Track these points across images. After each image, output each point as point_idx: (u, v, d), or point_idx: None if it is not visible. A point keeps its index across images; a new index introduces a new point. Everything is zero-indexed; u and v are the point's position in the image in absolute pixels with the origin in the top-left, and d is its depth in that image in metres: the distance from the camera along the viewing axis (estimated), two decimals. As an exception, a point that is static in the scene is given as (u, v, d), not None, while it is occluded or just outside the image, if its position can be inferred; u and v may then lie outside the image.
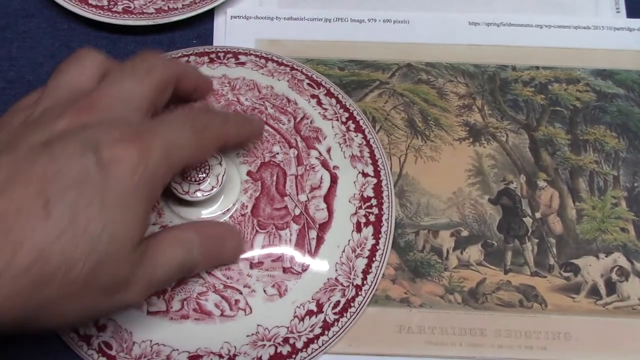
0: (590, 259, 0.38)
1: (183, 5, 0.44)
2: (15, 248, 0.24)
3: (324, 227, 0.36)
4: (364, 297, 0.35)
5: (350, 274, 0.35)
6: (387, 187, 0.38)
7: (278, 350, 0.34)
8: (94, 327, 0.34)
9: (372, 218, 0.37)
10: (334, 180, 0.37)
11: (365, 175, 0.38)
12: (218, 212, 0.35)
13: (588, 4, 0.46)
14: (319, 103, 0.40)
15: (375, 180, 0.38)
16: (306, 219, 0.35)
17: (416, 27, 0.45)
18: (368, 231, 0.37)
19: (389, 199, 0.38)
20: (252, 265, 0.34)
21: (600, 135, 0.41)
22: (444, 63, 0.43)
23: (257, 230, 0.35)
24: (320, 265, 0.35)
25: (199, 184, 0.33)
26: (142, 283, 0.28)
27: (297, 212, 0.36)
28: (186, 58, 0.42)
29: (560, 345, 0.35)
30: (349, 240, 0.36)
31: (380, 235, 0.37)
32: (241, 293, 0.34)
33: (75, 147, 0.26)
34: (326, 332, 0.34)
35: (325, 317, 0.35)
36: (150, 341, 0.33)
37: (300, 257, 0.35)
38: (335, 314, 0.35)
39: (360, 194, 0.37)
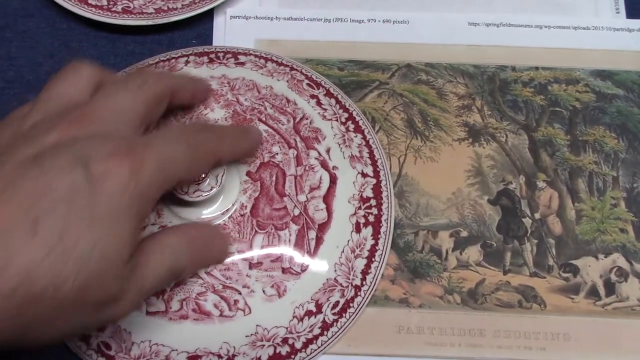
0: (589, 259, 0.38)
1: (182, 5, 0.44)
2: (0, 269, 0.23)
3: (323, 227, 0.36)
4: (363, 298, 0.35)
5: (350, 274, 0.35)
6: (387, 188, 0.38)
7: (277, 351, 0.34)
8: (93, 327, 0.34)
9: (371, 218, 0.37)
10: (333, 180, 0.37)
11: (364, 175, 0.38)
12: (217, 212, 0.35)
13: (588, 5, 0.46)
14: (319, 103, 0.40)
15: (374, 181, 0.38)
16: (305, 219, 0.35)
17: (416, 27, 0.45)
18: (367, 231, 0.37)
19: (388, 199, 0.38)
20: (251, 266, 0.34)
21: (599, 136, 0.41)
22: (443, 63, 0.43)
23: (256, 231, 0.35)
24: (319, 266, 0.35)
25: (198, 184, 0.33)
26: (132, 296, 0.27)
27: (297, 212, 0.35)
28: (185, 58, 0.41)
29: (559, 345, 0.35)
30: (348, 241, 0.36)
31: (379, 236, 0.37)
32: (240, 293, 0.34)
33: (65, 162, 0.25)
34: (325, 333, 0.34)
35: (324, 318, 0.35)
36: (149, 341, 0.33)
37: (300, 258, 0.35)
38: (334, 314, 0.35)
39: (360, 194, 0.37)
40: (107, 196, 0.25)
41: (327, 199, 0.36)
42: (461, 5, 0.46)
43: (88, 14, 0.43)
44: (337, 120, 0.39)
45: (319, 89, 0.41)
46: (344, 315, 0.35)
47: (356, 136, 0.39)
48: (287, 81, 0.40)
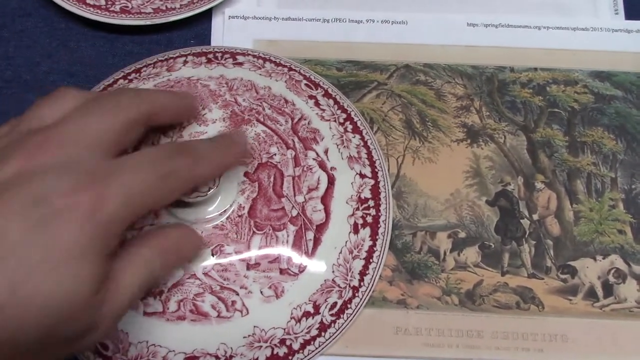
0: (587, 261, 0.38)
1: (181, 5, 0.43)
2: None
3: (321, 228, 0.36)
4: (361, 299, 0.35)
5: (347, 275, 0.35)
6: (385, 189, 0.38)
7: (274, 352, 0.34)
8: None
9: (369, 219, 0.37)
10: (331, 181, 0.37)
11: (362, 176, 0.38)
12: (215, 213, 0.35)
13: (586, 6, 0.46)
14: (317, 104, 0.40)
15: (372, 182, 0.38)
16: (303, 220, 0.35)
17: (414, 28, 0.45)
18: (365, 232, 0.36)
19: (386, 200, 0.38)
20: (249, 267, 0.34)
21: (598, 137, 0.41)
22: (442, 64, 0.43)
23: (254, 232, 0.35)
24: (317, 267, 0.35)
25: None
26: (107, 321, 0.27)
27: (294, 213, 0.35)
28: (184, 58, 0.41)
29: (557, 347, 0.35)
30: (346, 242, 0.36)
31: (377, 237, 0.37)
32: (238, 294, 0.34)
33: (21, 202, 0.24)
34: (323, 334, 0.34)
35: (322, 319, 0.34)
36: (147, 342, 0.33)
37: (297, 259, 0.35)
38: (332, 315, 0.35)
39: (358, 195, 0.37)
40: (67, 235, 0.24)
41: (325, 199, 0.36)
42: (460, 5, 0.46)
43: (86, 13, 0.43)
44: (335, 121, 0.39)
45: (317, 89, 0.41)
46: (341, 316, 0.35)
47: (354, 137, 0.39)
48: (286, 81, 0.40)
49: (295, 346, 0.34)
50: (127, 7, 0.44)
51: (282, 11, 0.45)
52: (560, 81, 0.43)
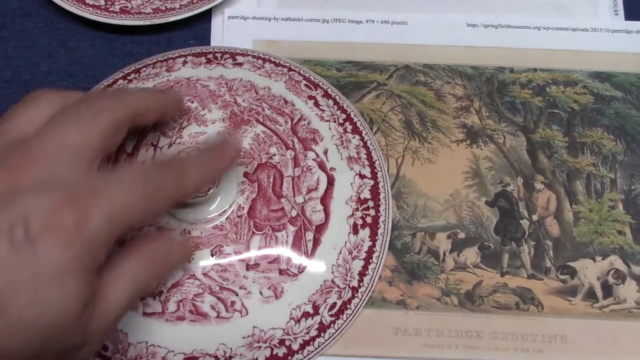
0: (586, 261, 0.38)
1: (180, 5, 0.43)
2: None
3: (320, 228, 0.36)
4: (360, 299, 0.35)
5: (347, 275, 0.35)
6: (384, 189, 0.38)
7: (274, 352, 0.34)
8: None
9: (368, 220, 0.37)
10: (330, 181, 0.37)
11: (362, 176, 0.38)
12: (215, 213, 0.35)
13: (586, 6, 0.46)
14: (316, 104, 0.40)
15: (372, 182, 0.38)
16: (303, 220, 0.35)
17: (414, 28, 0.45)
18: (365, 233, 0.36)
19: (385, 200, 0.38)
20: (248, 267, 0.34)
21: (597, 137, 0.41)
22: (441, 64, 0.43)
23: (253, 232, 0.35)
24: (316, 267, 0.35)
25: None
26: (97, 336, 0.26)
27: (294, 213, 0.35)
28: (183, 58, 0.41)
29: (557, 348, 0.35)
30: (345, 242, 0.36)
31: (376, 237, 0.37)
32: (237, 295, 0.34)
33: (4, 222, 0.24)
34: (322, 334, 0.34)
35: (321, 319, 0.34)
36: (146, 342, 0.33)
37: (297, 259, 0.35)
38: (331, 315, 0.35)
39: (357, 195, 0.37)
40: (50, 255, 0.24)
41: (325, 200, 0.36)
42: (459, 6, 0.46)
43: (86, 13, 0.43)
44: (334, 122, 0.39)
45: (316, 89, 0.41)
46: (341, 316, 0.35)
47: (354, 137, 0.39)
48: (285, 82, 0.40)
49: (295, 346, 0.34)
50: (127, 7, 0.44)
51: (282, 11, 0.45)
52: (560, 82, 0.43)
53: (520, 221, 0.39)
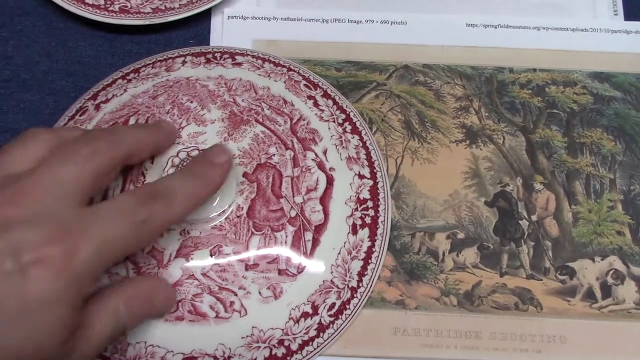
0: (586, 262, 0.38)
1: (180, 4, 0.43)
2: None
3: (319, 229, 0.36)
4: (360, 299, 0.35)
5: (346, 276, 0.35)
6: (384, 189, 0.38)
7: (273, 352, 0.34)
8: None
9: (368, 220, 0.37)
10: (330, 182, 0.37)
11: (361, 177, 0.38)
12: (214, 213, 0.34)
13: (586, 7, 0.46)
14: (316, 104, 0.40)
15: (371, 182, 0.38)
16: (302, 220, 0.35)
17: (414, 28, 0.45)
18: (364, 233, 0.36)
19: (385, 201, 0.38)
20: (248, 267, 0.34)
21: (596, 138, 0.41)
22: (441, 65, 0.43)
23: (252, 232, 0.35)
24: (315, 267, 0.35)
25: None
26: None
27: (293, 213, 0.35)
28: (182, 58, 0.41)
29: (556, 348, 0.35)
30: (344, 242, 0.36)
31: (376, 238, 0.37)
32: (236, 295, 0.34)
33: None
34: (321, 334, 0.34)
35: (320, 319, 0.34)
36: (145, 342, 0.33)
37: (296, 259, 0.35)
38: (330, 316, 0.35)
39: (357, 195, 0.37)
40: (39, 287, 0.24)
41: (324, 200, 0.36)
42: (459, 6, 0.46)
43: (85, 13, 0.43)
44: (334, 122, 0.39)
45: (316, 89, 0.41)
46: (340, 317, 0.35)
47: (353, 137, 0.39)
48: (285, 82, 0.40)
49: (294, 347, 0.34)
50: (126, 6, 0.43)
51: (282, 11, 0.45)
52: (560, 82, 0.43)
53: (520, 221, 0.39)
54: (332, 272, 0.35)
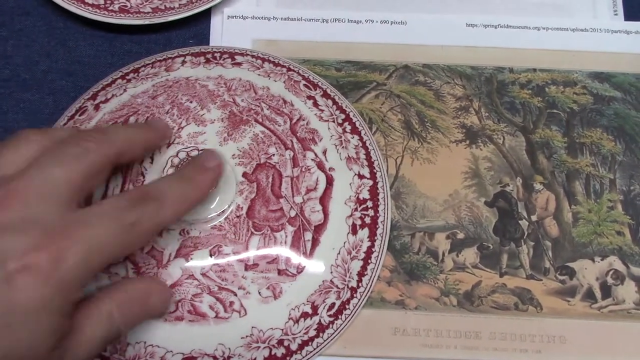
0: (585, 262, 0.38)
1: (180, 4, 0.43)
2: None
3: (319, 229, 0.35)
4: (359, 300, 0.35)
5: (346, 276, 0.35)
6: (383, 189, 0.38)
7: (272, 352, 0.34)
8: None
9: (367, 220, 0.37)
10: (329, 182, 0.37)
11: (361, 177, 0.38)
12: (213, 213, 0.34)
13: (586, 7, 0.46)
14: (315, 104, 0.40)
15: (371, 182, 0.38)
16: (301, 220, 0.35)
17: (414, 28, 0.44)
18: (364, 233, 0.36)
19: (384, 201, 0.38)
20: (247, 267, 0.34)
21: (596, 138, 0.41)
22: (441, 65, 0.43)
23: (252, 232, 0.35)
24: (315, 267, 0.35)
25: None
26: None
27: (293, 213, 0.35)
28: (182, 58, 0.41)
29: (555, 348, 0.35)
30: (344, 242, 0.36)
31: (375, 238, 0.37)
32: (236, 295, 0.34)
33: None
34: (321, 334, 0.34)
35: (320, 319, 0.34)
36: (144, 342, 0.33)
37: (296, 259, 0.35)
38: (330, 316, 0.35)
39: (356, 195, 0.37)
40: (25, 295, 0.24)
41: (324, 200, 0.36)
42: (459, 6, 0.46)
43: (85, 12, 0.43)
44: (334, 122, 0.39)
45: (315, 89, 0.41)
46: (339, 317, 0.35)
47: (353, 137, 0.39)
48: (284, 82, 0.40)
49: (293, 347, 0.34)
50: (126, 6, 0.43)
51: (281, 11, 0.45)
52: (560, 82, 0.43)
53: (520, 222, 0.39)
54: (331, 272, 0.35)
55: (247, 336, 0.34)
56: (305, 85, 0.40)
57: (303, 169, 0.37)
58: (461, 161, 0.40)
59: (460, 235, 0.38)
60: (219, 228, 0.34)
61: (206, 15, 0.45)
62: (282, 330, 0.34)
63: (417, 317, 0.36)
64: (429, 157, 0.40)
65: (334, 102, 0.40)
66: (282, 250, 0.35)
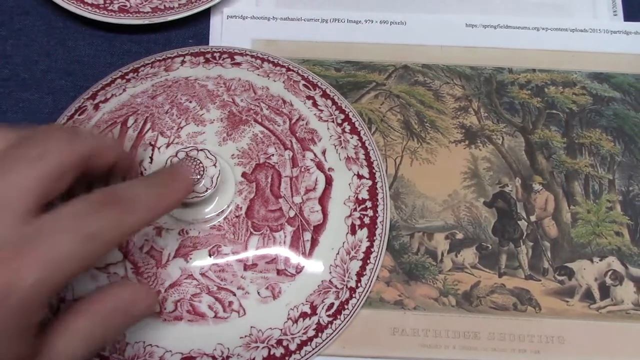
0: (584, 262, 0.38)
1: (179, 4, 0.43)
2: None
3: (318, 229, 0.36)
4: (358, 300, 0.35)
5: (345, 276, 0.35)
6: (382, 189, 0.38)
7: (271, 352, 0.34)
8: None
9: (366, 220, 0.37)
10: (328, 182, 0.37)
11: (360, 177, 0.38)
12: (212, 213, 0.34)
13: (585, 7, 0.46)
14: (315, 104, 0.40)
15: (370, 182, 0.38)
16: (301, 221, 0.35)
17: (413, 28, 0.44)
18: (363, 233, 0.36)
19: (384, 201, 0.38)
20: (246, 267, 0.34)
21: (595, 138, 0.41)
22: (440, 65, 0.43)
23: (251, 232, 0.35)
24: (314, 267, 0.35)
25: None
26: None
27: (292, 214, 0.35)
28: (181, 58, 0.41)
29: (554, 349, 0.35)
30: (343, 243, 0.36)
31: (374, 238, 0.37)
32: (235, 295, 0.34)
33: None
34: (320, 334, 0.34)
35: (318, 319, 0.35)
36: (144, 342, 0.33)
37: (295, 259, 0.35)
38: (329, 316, 0.35)
39: (355, 196, 0.37)
40: None
41: (323, 200, 0.36)
42: (458, 6, 0.46)
43: (84, 12, 0.43)
44: (333, 122, 0.39)
45: (315, 90, 0.41)
46: (338, 317, 0.35)
47: (352, 137, 0.39)
48: (284, 82, 0.40)
49: (292, 347, 0.34)
50: (126, 6, 0.43)
51: (281, 11, 0.45)
52: (559, 82, 0.43)
53: (518, 222, 0.39)
54: (330, 272, 0.35)
55: (246, 336, 0.34)
56: (304, 85, 0.40)
57: (302, 169, 0.37)
58: (460, 161, 0.40)
59: (459, 236, 0.38)
60: (218, 228, 0.35)
61: (205, 15, 0.45)
62: (281, 330, 0.34)
63: (415, 317, 0.36)
64: (428, 157, 0.40)
65: (334, 102, 0.40)
66: (281, 250, 0.35)
